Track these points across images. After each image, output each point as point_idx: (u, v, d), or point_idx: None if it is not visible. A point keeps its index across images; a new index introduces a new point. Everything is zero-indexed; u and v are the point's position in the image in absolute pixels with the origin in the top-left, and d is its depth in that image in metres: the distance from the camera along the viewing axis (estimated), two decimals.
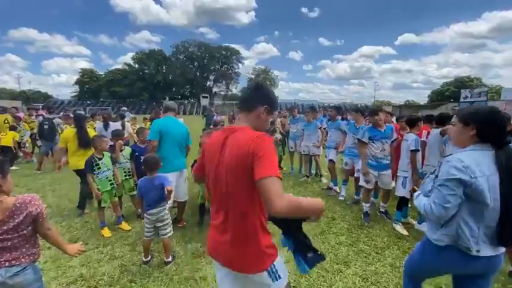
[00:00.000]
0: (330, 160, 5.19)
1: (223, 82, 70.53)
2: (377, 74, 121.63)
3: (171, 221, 2.90)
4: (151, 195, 2.71)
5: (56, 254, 2.93)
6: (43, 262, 2.80)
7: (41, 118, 8.15)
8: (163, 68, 63.91)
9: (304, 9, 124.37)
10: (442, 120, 3.60)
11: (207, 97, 55.11)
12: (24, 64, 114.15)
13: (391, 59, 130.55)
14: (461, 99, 42.94)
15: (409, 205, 3.86)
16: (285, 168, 6.85)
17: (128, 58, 68.06)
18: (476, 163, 1.35)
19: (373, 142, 3.76)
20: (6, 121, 7.26)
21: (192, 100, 61.13)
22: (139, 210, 3.96)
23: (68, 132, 4.29)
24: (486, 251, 1.40)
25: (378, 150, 3.74)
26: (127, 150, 4.05)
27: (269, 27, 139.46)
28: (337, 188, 5.20)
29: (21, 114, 8.85)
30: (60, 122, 7.77)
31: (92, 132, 4.39)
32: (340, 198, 4.77)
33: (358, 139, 3.86)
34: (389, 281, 2.54)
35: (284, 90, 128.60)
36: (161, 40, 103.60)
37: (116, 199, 3.69)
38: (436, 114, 3.96)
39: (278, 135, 6.48)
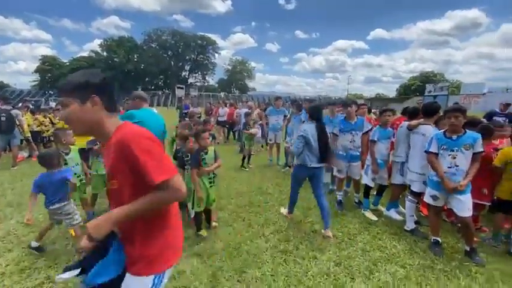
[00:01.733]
0: None
1: (199, 73, 68.69)
2: (350, 68, 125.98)
3: (76, 210, 2.87)
4: (50, 190, 2.66)
5: (19, 255, 2.73)
6: (4, 265, 2.59)
7: None
8: (135, 56, 60.46)
9: (281, 1, 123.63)
10: (414, 114, 3.77)
11: (182, 88, 53.26)
12: None
13: (363, 53, 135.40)
14: (426, 93, 45.97)
15: (377, 195, 4.09)
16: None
17: (95, 45, 63.46)
18: (309, 128, 3.24)
19: (343, 133, 3.93)
20: None
21: (167, 91, 58.90)
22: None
23: None
24: (314, 164, 3.26)
25: (348, 142, 3.91)
26: None
27: (246, 17, 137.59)
28: None
29: None
30: (18, 113, 7.10)
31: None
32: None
33: (331, 132, 4.00)
34: (361, 264, 2.70)
35: (261, 82, 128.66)
36: (131, 26, 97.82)
37: (86, 195, 3.50)
38: (411, 107, 4.12)
39: (253, 130, 6.51)
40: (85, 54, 60.01)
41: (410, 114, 3.78)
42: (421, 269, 2.63)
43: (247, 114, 6.90)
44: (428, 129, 3.24)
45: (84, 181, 3.40)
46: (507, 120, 5.85)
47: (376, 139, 3.69)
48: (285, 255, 2.84)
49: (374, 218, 3.73)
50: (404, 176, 3.59)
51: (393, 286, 2.39)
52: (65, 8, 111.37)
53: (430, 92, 45.73)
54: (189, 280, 2.44)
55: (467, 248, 2.85)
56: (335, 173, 4.15)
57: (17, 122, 6.73)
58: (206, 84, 70.15)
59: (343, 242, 3.14)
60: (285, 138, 6.44)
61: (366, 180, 3.87)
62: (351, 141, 3.91)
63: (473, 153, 2.72)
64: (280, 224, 3.55)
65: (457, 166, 2.74)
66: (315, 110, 3.43)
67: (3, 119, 6.34)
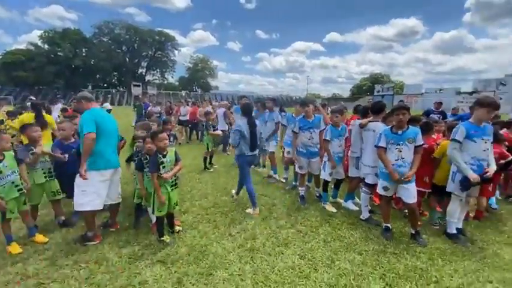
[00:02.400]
0: (270, 151, 5.48)
1: (158, 70, 65.27)
2: (309, 69, 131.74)
3: None
4: None
5: None
6: None
7: None
8: (83, 50, 54.90)
9: (241, 0, 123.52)
10: (364, 112, 4.04)
11: (139, 86, 50.24)
12: None
13: (320, 55, 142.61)
14: (375, 93, 50.38)
15: (335, 188, 4.36)
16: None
17: (34, 37, 55.62)
18: (243, 123, 3.86)
19: (302, 131, 4.09)
20: None
21: (122, 89, 54.84)
22: (62, 217, 3.41)
23: None
24: (249, 152, 3.87)
25: (306, 139, 4.09)
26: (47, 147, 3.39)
27: (206, 14, 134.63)
28: (277, 176, 5.51)
29: None
30: None
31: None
32: (282, 180, 5.22)
33: (292, 130, 4.21)
34: (323, 255, 2.85)
35: (224, 81, 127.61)
36: (78, 18, 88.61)
37: (26, 207, 3.06)
38: (361, 107, 4.44)
39: (219, 131, 6.41)
40: (21, 46, 52.58)
41: (361, 112, 4.07)
42: (375, 254, 2.87)
43: (207, 114, 6.78)
44: (378, 126, 3.54)
45: (22, 191, 2.97)
46: (441, 117, 6.72)
47: (329, 138, 3.93)
48: (252, 253, 2.86)
49: (333, 210, 3.97)
50: (359, 169, 3.88)
51: (352, 272, 2.57)
52: None
53: (378, 91, 50.27)
54: None
55: (413, 231, 3.20)
56: (296, 169, 4.33)
57: None
58: (166, 82, 67.02)
59: (306, 235, 3.28)
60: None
61: (324, 175, 4.08)
62: (309, 139, 4.08)
63: (415, 147, 3.06)
64: (246, 222, 3.56)
65: (403, 158, 3.06)
66: (246, 107, 4.05)
67: None
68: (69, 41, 51.76)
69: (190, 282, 2.41)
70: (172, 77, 68.43)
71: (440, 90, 40.60)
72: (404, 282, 2.45)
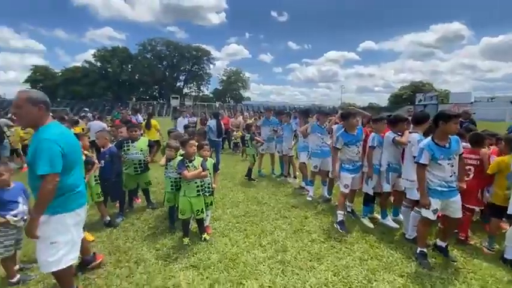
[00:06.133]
0: (301, 162, 5.39)
1: (194, 83, 69.01)
2: (342, 78, 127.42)
3: None
4: None
5: None
6: None
7: None
8: (129, 66, 60.49)
9: (273, 13, 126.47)
10: (394, 122, 3.67)
11: (177, 98, 53.43)
12: None
13: (354, 64, 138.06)
14: (417, 102, 47.09)
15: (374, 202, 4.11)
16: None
17: (89, 55, 62.85)
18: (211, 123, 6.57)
19: (348, 147, 3.69)
20: None
21: (161, 101, 58.81)
22: (108, 218, 3.72)
23: None
24: (214, 138, 6.61)
25: (354, 154, 3.72)
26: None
27: (240, 29, 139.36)
28: (309, 188, 5.38)
29: None
30: (7, 123, 6.99)
31: None
32: (308, 198, 4.89)
33: (333, 146, 3.78)
34: (359, 274, 2.68)
35: (255, 92, 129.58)
36: (126, 37, 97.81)
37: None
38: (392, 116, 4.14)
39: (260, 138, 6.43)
40: (78, 64, 59.71)
41: (391, 122, 3.70)
42: (418, 278, 2.62)
43: (249, 126, 6.81)
44: (413, 137, 3.29)
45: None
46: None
47: (375, 145, 3.73)
48: (283, 266, 2.80)
49: (371, 225, 3.73)
50: (389, 183, 3.64)
51: None
52: (58, 18, 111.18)
53: (420, 101, 46.91)
54: None
55: (443, 244, 2.95)
56: (342, 189, 3.76)
57: (7, 133, 6.61)
58: (201, 94, 70.46)
59: (340, 251, 3.12)
60: (296, 156, 6.24)
61: (366, 188, 3.84)
62: (356, 153, 3.73)
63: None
64: (277, 234, 3.51)
65: (454, 173, 2.78)
66: (215, 113, 7.19)
67: None
68: (118, 58, 57.48)
69: None
70: (207, 89, 71.75)
71: (492, 99, 36.61)
72: None
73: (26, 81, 53.27)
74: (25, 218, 2.40)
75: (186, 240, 3.24)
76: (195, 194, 3.19)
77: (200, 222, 3.34)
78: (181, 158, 3.29)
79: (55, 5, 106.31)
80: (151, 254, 3.01)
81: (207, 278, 2.59)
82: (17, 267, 2.58)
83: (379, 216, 3.98)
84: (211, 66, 68.84)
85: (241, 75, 70.02)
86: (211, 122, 6.99)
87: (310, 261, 2.90)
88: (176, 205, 3.51)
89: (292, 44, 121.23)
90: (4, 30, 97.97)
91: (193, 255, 2.97)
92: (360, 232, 3.58)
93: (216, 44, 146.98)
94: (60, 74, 54.57)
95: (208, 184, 3.38)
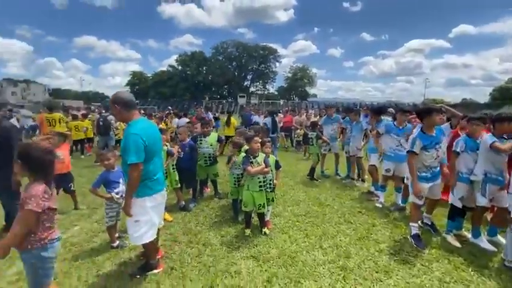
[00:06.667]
0: (371, 165, 4.93)
1: (260, 81, 71.15)
2: (428, 70, 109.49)
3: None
4: None
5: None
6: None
7: (97, 115, 9.22)
8: (204, 68, 66.72)
9: (346, 4, 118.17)
10: (499, 121, 3.01)
11: (244, 96, 56.15)
12: (86, 68, 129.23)
13: (443, 53, 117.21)
14: None
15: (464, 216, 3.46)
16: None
17: (172, 60, 72.12)
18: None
19: (427, 151, 3.11)
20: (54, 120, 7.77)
21: (230, 100, 62.79)
22: (182, 202, 4.24)
23: None
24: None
25: (433, 159, 3.15)
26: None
27: (308, 24, 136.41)
28: (379, 193, 4.89)
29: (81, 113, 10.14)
30: (113, 119, 8.65)
31: None
32: (377, 205, 4.45)
33: (409, 151, 3.14)
34: None
35: (322, 89, 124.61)
36: (202, 43, 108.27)
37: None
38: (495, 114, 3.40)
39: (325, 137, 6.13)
40: (164, 68, 69.31)
41: (494, 121, 3.08)
42: None
43: (314, 124, 6.44)
44: None
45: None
46: None
47: (458, 150, 3.16)
48: (345, 272, 2.65)
49: (457, 244, 3.16)
50: (486, 197, 2.98)
51: None
52: (151, 30, 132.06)
53: None
54: (245, 281, 2.52)
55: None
56: (413, 199, 3.20)
57: (113, 126, 8.23)
58: (266, 92, 72.15)
59: (414, 267, 2.75)
60: (366, 157, 5.64)
61: (453, 200, 3.27)
62: (435, 158, 3.16)
63: None
64: (340, 239, 3.34)
65: None
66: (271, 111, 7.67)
67: (101, 123, 7.88)
68: (195, 61, 64.13)
69: (279, 284, 2.47)
70: (272, 87, 72.98)
71: None
72: None
73: (126, 84, 65.02)
74: (123, 195, 2.96)
75: (247, 231, 3.41)
76: (257, 189, 3.32)
77: (261, 216, 3.46)
78: (245, 154, 3.47)
79: (149, 19, 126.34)
80: (217, 240, 3.29)
81: (265, 270, 2.68)
82: (116, 235, 3.21)
83: (468, 235, 3.32)
84: (277, 64, 69.64)
85: (307, 71, 68.45)
86: (267, 120, 7.32)
87: (376, 272, 2.66)
88: (240, 198, 3.74)
89: (366, 35, 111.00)
90: (113, 43, 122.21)
91: (253, 247, 3.11)
92: (442, 250, 3.07)
93: (283, 42, 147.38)
94: (151, 77, 64.53)
95: (270, 180, 3.47)
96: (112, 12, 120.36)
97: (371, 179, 5.10)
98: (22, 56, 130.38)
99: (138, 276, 2.55)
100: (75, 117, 8.97)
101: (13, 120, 8.25)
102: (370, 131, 5.24)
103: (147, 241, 2.46)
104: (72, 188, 4.22)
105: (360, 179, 5.80)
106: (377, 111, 5.24)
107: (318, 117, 10.28)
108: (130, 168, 2.23)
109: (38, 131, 7.90)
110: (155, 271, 2.63)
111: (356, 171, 5.94)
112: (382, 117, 5.04)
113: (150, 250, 2.61)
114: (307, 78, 68.24)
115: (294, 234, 3.43)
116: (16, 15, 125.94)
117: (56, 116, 7.26)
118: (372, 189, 5.01)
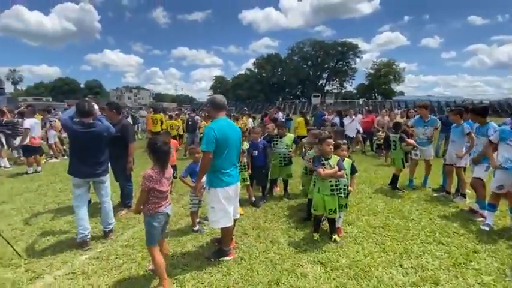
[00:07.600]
0: (476, 177, 3.97)
1: (337, 80, 67.42)
2: None
3: None
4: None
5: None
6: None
7: (187, 116, 10.70)
8: (279, 70, 67.91)
9: None
10: None
11: (318, 96, 54.51)
12: (180, 75, 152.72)
13: None
14: None
15: None
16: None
17: (250, 64, 76.96)
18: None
19: (505, 143, 2.90)
20: (156, 119, 9.57)
21: (303, 99, 61.90)
22: (253, 198, 4.47)
23: None
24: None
25: None
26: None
27: (397, 13, 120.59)
28: (484, 213, 3.93)
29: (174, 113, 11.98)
30: (199, 119, 9.82)
31: None
32: (483, 227, 3.57)
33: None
34: None
35: (412, 85, 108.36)
36: (278, 44, 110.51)
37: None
38: None
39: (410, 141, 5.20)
40: (242, 72, 74.23)
41: None
42: None
43: (397, 126, 5.58)
44: None
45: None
46: None
47: None
48: None
49: None
50: None
51: None
52: (232, 36, 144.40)
53: None
54: (310, 285, 2.47)
55: None
56: (494, 189, 3.22)
57: (197, 125, 9.36)
58: (343, 91, 67.89)
59: None
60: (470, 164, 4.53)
61: None
62: None
63: None
64: (426, 260, 2.86)
65: None
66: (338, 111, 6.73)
67: (190, 122, 9.20)
68: (271, 63, 66.07)
69: None
70: (350, 85, 68.19)
71: None
72: None
73: (210, 88, 72.75)
74: (205, 186, 3.32)
75: (316, 235, 3.32)
76: (328, 193, 3.18)
77: (332, 222, 3.30)
78: (317, 155, 3.39)
79: (231, 27, 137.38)
80: (284, 239, 3.32)
81: (333, 279, 2.55)
82: (197, 220, 3.64)
83: None
84: (358, 60, 64.53)
85: (393, 66, 60.81)
86: (335, 119, 6.80)
87: None
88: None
89: (476, 18, 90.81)
90: (201, 52, 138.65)
91: (322, 252, 3.00)
92: None
93: (365, 36, 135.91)
94: (230, 81, 70.13)
95: (344, 185, 3.26)
96: (201, 24, 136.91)
97: (474, 195, 4.16)
98: (136, 68, 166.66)
99: (213, 260, 2.84)
100: (171, 117, 10.66)
101: (129, 119, 10.56)
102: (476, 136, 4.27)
103: (222, 226, 2.80)
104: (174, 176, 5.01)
105: (460, 194, 4.78)
106: (480, 111, 4.22)
107: (405, 118, 9.00)
108: (203, 155, 2.64)
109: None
110: (227, 258, 2.87)
111: (455, 183, 4.94)
112: (488, 120, 4.02)
113: (226, 237, 2.91)
114: (392, 74, 60.69)
115: (368, 247, 3.14)
116: (134, 34, 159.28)
117: (159, 117, 9.43)
118: (476, 207, 4.07)
